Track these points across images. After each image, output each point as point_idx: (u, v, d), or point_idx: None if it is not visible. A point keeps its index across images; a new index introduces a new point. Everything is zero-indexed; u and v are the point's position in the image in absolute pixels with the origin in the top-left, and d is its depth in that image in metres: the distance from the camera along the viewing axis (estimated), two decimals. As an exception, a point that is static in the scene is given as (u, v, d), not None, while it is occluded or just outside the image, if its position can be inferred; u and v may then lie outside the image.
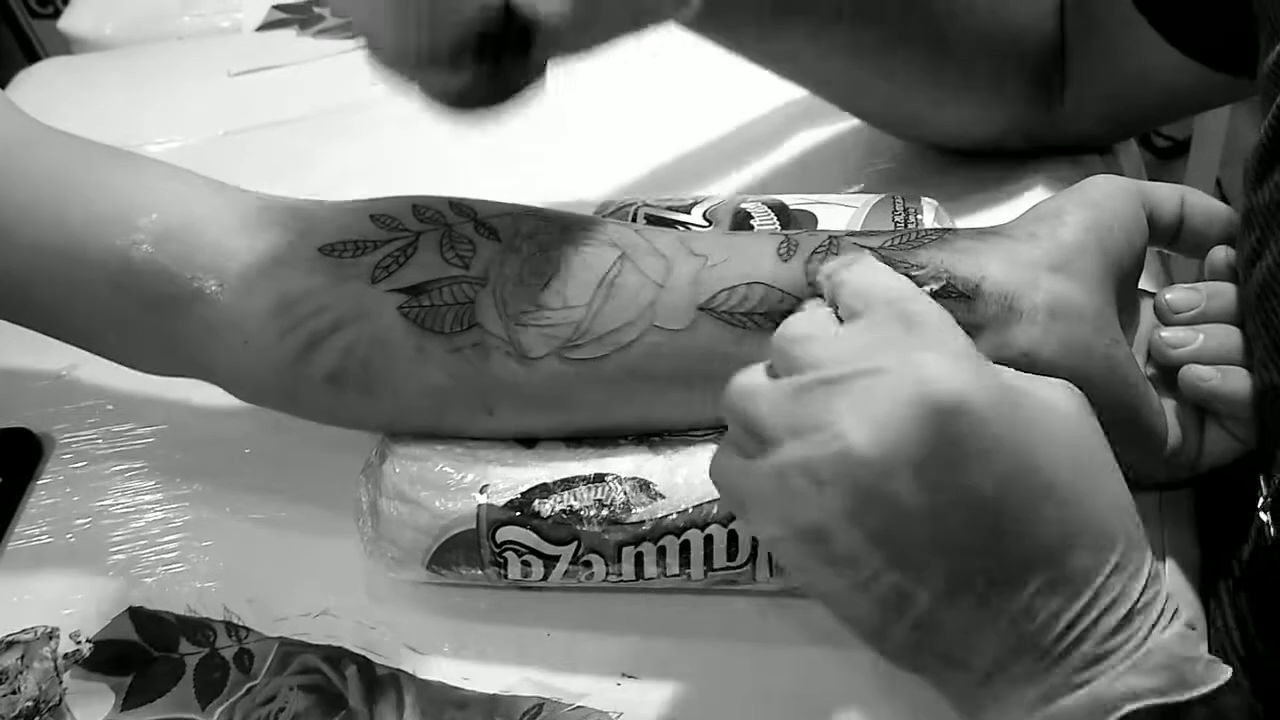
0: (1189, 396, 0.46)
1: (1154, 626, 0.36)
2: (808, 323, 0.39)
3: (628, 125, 0.72)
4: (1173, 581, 0.48)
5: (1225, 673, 0.36)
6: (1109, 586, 0.35)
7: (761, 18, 0.56)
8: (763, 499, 0.37)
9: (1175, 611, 0.36)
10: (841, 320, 0.39)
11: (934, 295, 0.42)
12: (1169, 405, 0.47)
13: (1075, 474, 0.36)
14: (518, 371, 0.46)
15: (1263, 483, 0.44)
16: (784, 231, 0.47)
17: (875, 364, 0.35)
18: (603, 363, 0.45)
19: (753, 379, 0.38)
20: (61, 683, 0.48)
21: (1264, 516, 0.43)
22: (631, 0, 0.47)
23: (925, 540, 0.35)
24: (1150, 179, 0.50)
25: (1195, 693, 0.35)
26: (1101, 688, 0.35)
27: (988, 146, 0.63)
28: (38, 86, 0.87)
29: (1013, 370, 0.38)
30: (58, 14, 0.98)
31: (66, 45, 0.97)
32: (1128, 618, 0.35)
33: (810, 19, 0.56)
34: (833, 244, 0.45)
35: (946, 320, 0.38)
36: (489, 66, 0.41)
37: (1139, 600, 0.35)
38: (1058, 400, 0.37)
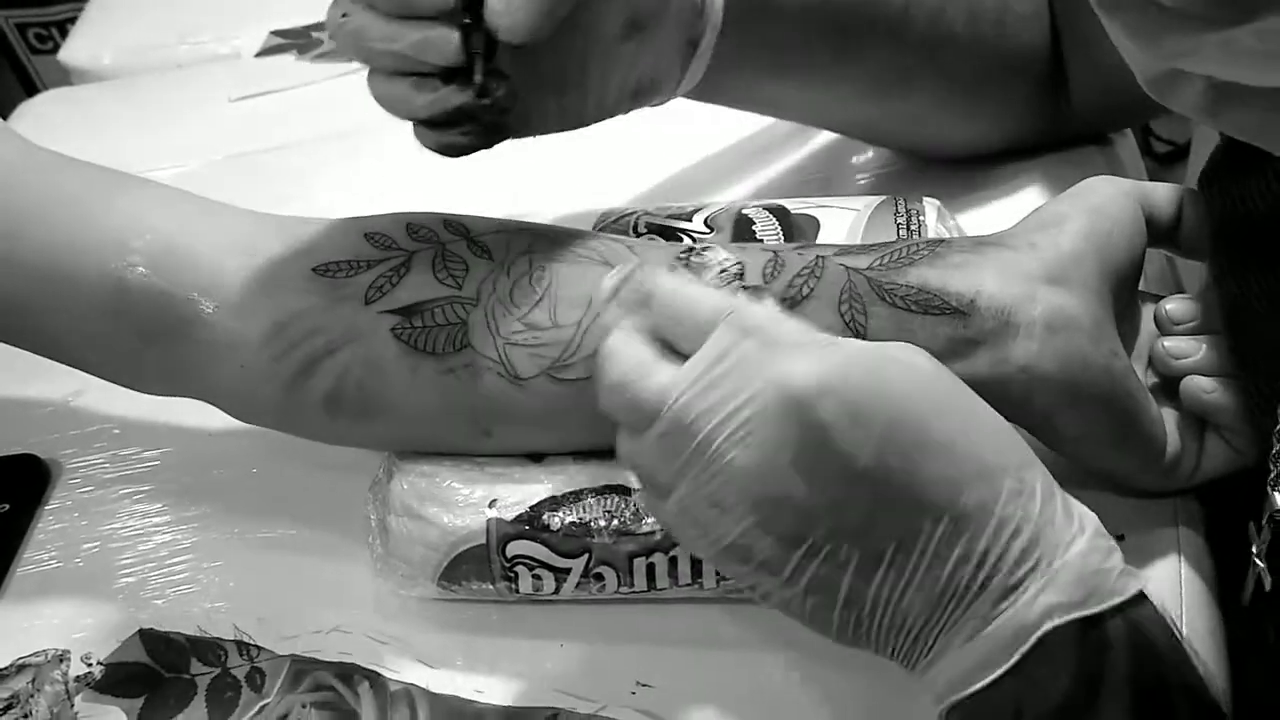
0: (1189, 407, 0.46)
1: (1061, 544, 0.36)
2: (633, 362, 0.39)
3: (630, 131, 0.72)
4: (1188, 583, 0.48)
5: (1139, 582, 0.37)
6: (1008, 515, 0.36)
7: (759, 79, 0.56)
8: (684, 530, 0.39)
9: (1082, 524, 0.37)
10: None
11: (924, 311, 0.43)
12: (1169, 415, 0.47)
13: (944, 419, 0.37)
14: (510, 392, 0.46)
15: (1254, 529, 0.44)
16: (774, 249, 0.47)
17: (724, 387, 0.37)
18: (591, 382, 0.45)
19: (625, 444, 0.40)
20: (73, 705, 0.48)
21: (1260, 564, 0.43)
22: (617, 74, 0.49)
23: (829, 526, 0.36)
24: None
25: (1110, 603, 0.36)
26: (1019, 612, 0.36)
27: (998, 151, 0.64)
28: (38, 118, 0.87)
29: (858, 341, 0.40)
30: (57, 49, 0.99)
31: (67, 79, 0.97)
32: (1034, 540, 0.36)
33: (809, 72, 0.56)
34: (819, 264, 0.45)
35: (771, 313, 0.39)
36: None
37: (1041, 520, 0.36)
38: (908, 356, 0.38)
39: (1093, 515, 0.38)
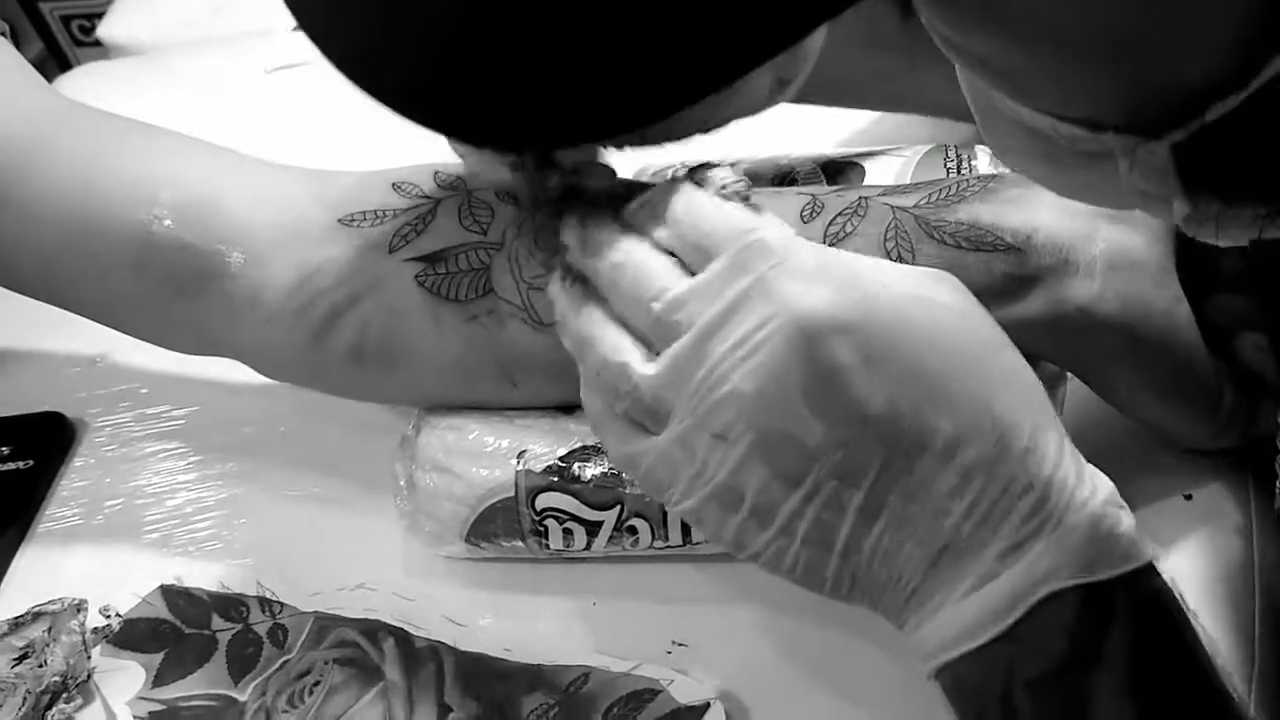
0: (1243, 363, 0.45)
1: (1070, 508, 0.34)
2: (656, 275, 0.37)
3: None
4: (1260, 546, 0.45)
5: (1150, 551, 0.34)
6: (1016, 474, 0.34)
7: (851, 83, 0.55)
8: (673, 471, 0.36)
9: (1095, 489, 0.35)
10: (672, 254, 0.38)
11: (975, 248, 0.41)
12: (1223, 370, 0.45)
13: (965, 367, 0.34)
14: (534, 339, 0.45)
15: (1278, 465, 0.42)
16: (812, 191, 0.45)
17: (741, 310, 0.34)
18: None
19: (623, 357, 0.37)
20: (90, 658, 0.47)
21: None
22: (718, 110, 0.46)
23: (833, 466, 0.34)
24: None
25: (1116, 572, 0.33)
26: (1019, 573, 0.33)
27: None
28: (75, 91, 0.86)
29: (887, 267, 0.36)
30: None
31: (106, 59, 0.97)
32: (1041, 501, 0.34)
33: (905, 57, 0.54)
34: (861, 205, 0.43)
35: (793, 240, 0.36)
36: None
37: (1051, 482, 0.34)
38: (937, 294, 0.36)
39: (1108, 482, 0.35)
